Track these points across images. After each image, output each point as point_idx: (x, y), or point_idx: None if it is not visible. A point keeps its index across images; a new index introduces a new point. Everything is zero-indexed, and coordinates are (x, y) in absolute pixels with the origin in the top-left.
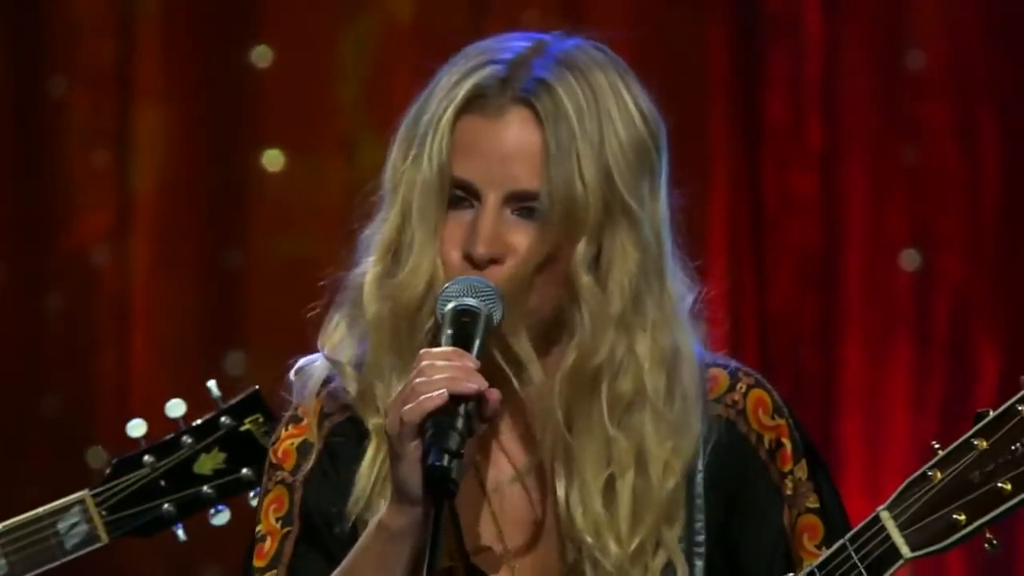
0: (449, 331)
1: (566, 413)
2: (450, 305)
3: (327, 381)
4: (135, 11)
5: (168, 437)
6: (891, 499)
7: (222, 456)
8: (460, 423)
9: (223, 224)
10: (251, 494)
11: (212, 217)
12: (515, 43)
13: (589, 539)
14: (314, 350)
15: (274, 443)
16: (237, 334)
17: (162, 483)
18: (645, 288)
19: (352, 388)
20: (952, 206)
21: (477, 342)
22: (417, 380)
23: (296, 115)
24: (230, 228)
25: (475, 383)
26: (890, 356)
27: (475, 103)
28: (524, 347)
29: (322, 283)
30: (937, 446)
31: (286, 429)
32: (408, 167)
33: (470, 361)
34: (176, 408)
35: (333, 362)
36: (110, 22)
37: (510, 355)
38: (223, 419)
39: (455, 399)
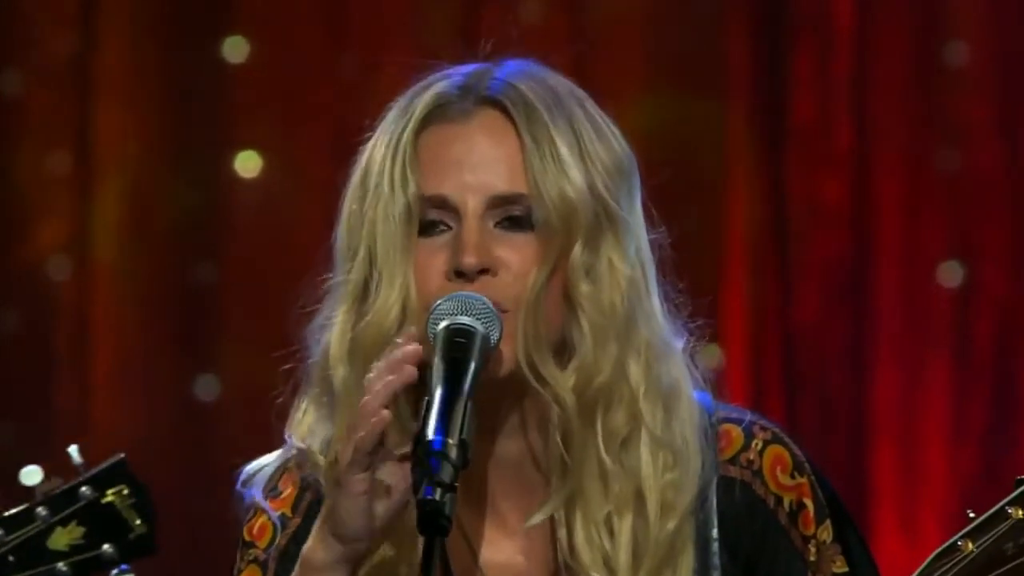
0: (442, 353)
1: (564, 445)
2: (443, 324)
3: (297, 463)
4: (96, 0)
5: (20, 508)
6: (919, 571)
7: (80, 531)
8: (454, 453)
9: (193, 235)
10: (113, 572)
11: (181, 227)
12: (467, 66)
13: None
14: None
15: (249, 519)
16: (209, 356)
17: (11, 559)
18: (637, 308)
19: (318, 471)
20: (996, 214)
21: (473, 365)
22: (364, 400)
23: (273, 114)
24: (201, 239)
25: (407, 374)
26: (927, 379)
27: (436, 113)
28: (552, 371)
29: (287, 366)
30: (972, 514)
31: (271, 499)
32: (368, 204)
33: (401, 348)
34: (32, 476)
35: (301, 450)
36: (69, 12)
37: (539, 380)
38: (83, 489)
39: (454, 405)
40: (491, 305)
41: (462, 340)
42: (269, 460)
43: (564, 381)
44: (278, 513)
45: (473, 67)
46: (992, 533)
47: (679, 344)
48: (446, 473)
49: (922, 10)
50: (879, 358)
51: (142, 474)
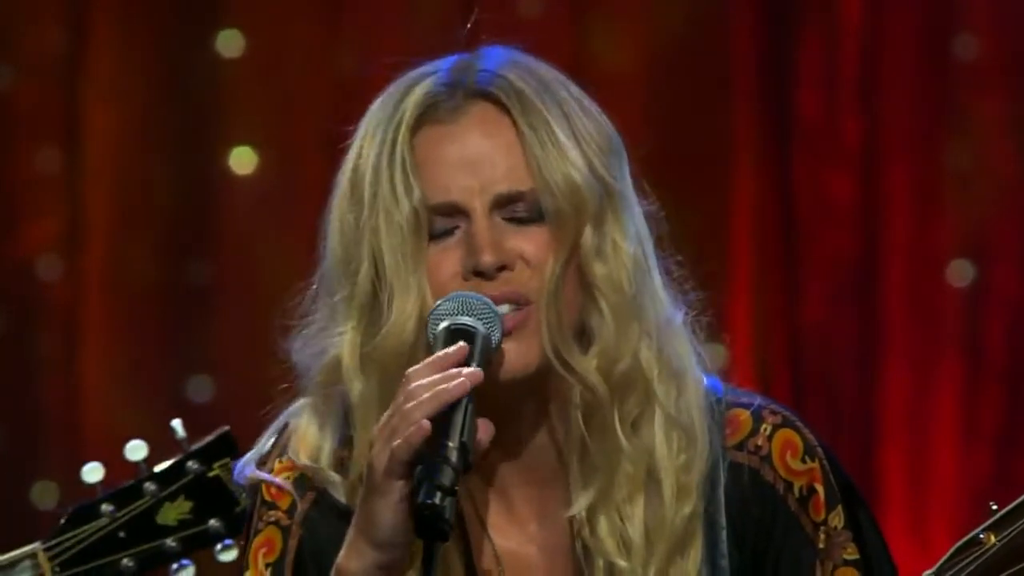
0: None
1: (587, 431)
2: (443, 325)
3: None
4: None
5: (129, 483)
6: (939, 564)
7: (188, 505)
8: (455, 456)
9: (186, 233)
10: (218, 547)
11: (174, 225)
12: (447, 59)
13: (623, 562)
14: (289, 377)
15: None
16: (202, 357)
17: (121, 535)
18: (642, 287)
19: (341, 494)
20: (1007, 211)
21: (474, 367)
22: (406, 407)
23: (269, 109)
24: (194, 238)
25: (461, 383)
26: (937, 380)
27: (426, 115)
28: (578, 358)
29: (284, 386)
30: (995, 507)
31: (280, 461)
32: (367, 214)
33: (453, 360)
34: (137, 451)
35: (315, 471)
36: (59, 5)
37: (568, 369)
38: (190, 463)
39: (452, 416)
40: (492, 305)
41: (463, 342)
42: (263, 441)
43: (589, 366)
44: (297, 473)
45: (454, 59)
46: (1015, 526)
47: (680, 318)
48: (446, 477)
49: (931, 3)
50: (887, 359)
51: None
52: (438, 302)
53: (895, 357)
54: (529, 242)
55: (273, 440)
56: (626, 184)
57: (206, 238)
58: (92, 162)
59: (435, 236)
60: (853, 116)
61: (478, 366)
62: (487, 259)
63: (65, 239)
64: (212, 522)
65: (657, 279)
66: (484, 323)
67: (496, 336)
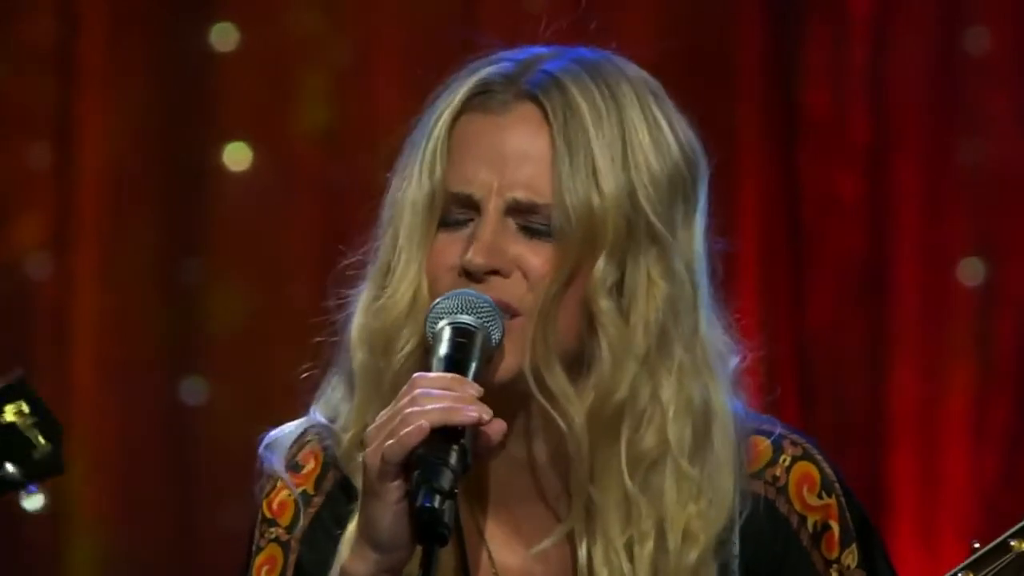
0: (441, 353)
1: (588, 463)
2: (442, 323)
3: (318, 435)
4: None
5: None
6: None
7: None
8: (453, 458)
9: (179, 230)
10: (22, 494)
11: (166, 222)
12: (535, 48)
13: None
14: (287, 377)
15: (268, 494)
16: (195, 357)
17: None
18: (673, 327)
19: (339, 450)
20: (1019, 208)
21: (473, 366)
22: (408, 410)
23: (264, 104)
24: (187, 235)
25: (476, 411)
26: (948, 382)
27: (477, 100)
28: (559, 381)
29: (319, 339)
30: (976, 544)
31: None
32: (402, 184)
33: (471, 388)
34: None
35: (322, 426)
36: None
37: (544, 392)
38: None
39: (452, 431)
40: (493, 304)
41: (462, 340)
42: (291, 428)
43: (575, 398)
44: (299, 490)
45: (527, 52)
46: (994, 566)
47: (728, 363)
48: (445, 479)
49: None
50: (897, 361)
51: (127, 479)
52: (438, 300)
53: (904, 358)
54: (535, 255)
55: (295, 439)
56: (685, 218)
57: (200, 236)
58: (84, 158)
59: (449, 224)
60: (861, 113)
61: (477, 364)
62: (477, 261)
63: (56, 236)
64: (8, 467)
65: (703, 318)
66: (484, 321)
67: (497, 335)
